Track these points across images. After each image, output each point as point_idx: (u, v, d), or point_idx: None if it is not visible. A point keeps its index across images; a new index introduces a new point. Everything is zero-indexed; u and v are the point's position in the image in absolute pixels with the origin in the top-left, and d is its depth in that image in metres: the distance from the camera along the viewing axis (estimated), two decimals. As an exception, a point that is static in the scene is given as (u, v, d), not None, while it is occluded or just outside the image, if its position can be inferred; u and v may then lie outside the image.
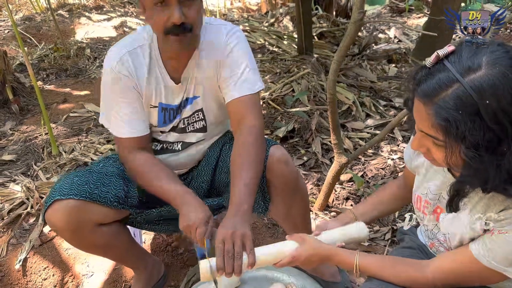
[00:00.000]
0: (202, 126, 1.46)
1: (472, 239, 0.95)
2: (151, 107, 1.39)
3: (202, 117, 1.44)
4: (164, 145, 1.48)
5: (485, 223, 0.90)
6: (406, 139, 2.71)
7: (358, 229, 1.18)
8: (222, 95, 1.39)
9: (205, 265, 1.07)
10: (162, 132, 1.45)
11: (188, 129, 1.45)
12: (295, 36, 4.13)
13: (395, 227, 1.94)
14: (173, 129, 1.45)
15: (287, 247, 1.12)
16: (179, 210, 1.24)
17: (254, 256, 1.08)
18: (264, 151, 1.32)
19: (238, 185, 1.21)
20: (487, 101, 0.76)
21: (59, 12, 5.25)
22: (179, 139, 1.47)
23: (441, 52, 0.83)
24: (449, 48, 0.83)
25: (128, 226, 1.50)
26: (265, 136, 1.99)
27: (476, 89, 0.76)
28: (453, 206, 0.95)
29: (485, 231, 0.91)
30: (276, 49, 4.12)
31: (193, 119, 1.44)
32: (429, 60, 0.84)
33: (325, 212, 2.12)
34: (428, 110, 0.81)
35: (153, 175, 1.33)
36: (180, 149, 1.48)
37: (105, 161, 1.46)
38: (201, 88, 1.39)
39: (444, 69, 0.81)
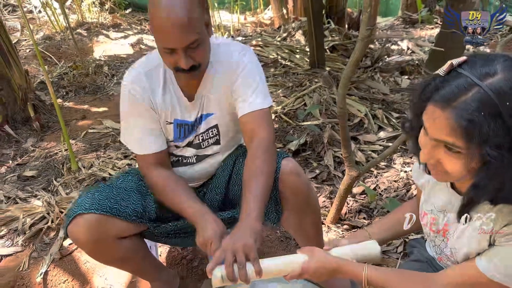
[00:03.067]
0: (216, 140, 1.51)
1: (479, 253, 0.96)
2: (166, 123, 1.45)
3: (217, 133, 1.50)
4: (180, 159, 1.54)
5: (485, 222, 0.91)
6: (419, 151, 2.70)
7: (370, 247, 1.16)
8: (235, 111, 1.44)
9: (217, 272, 1.11)
10: (177, 147, 1.51)
11: (203, 145, 1.51)
12: (307, 49, 4.17)
13: (407, 240, 1.94)
14: (189, 145, 1.50)
15: (296, 259, 1.13)
16: (196, 226, 1.29)
17: (259, 264, 1.10)
18: (274, 163, 1.36)
19: (246, 196, 1.26)
20: (508, 103, 0.77)
21: (78, 31, 5.42)
22: (194, 154, 1.52)
23: (455, 61, 0.84)
24: (462, 58, 0.84)
25: (145, 240, 1.55)
26: (278, 149, 2.03)
27: (496, 92, 0.77)
28: (464, 213, 0.94)
29: (490, 245, 0.93)
30: (288, 63, 4.17)
31: (207, 135, 1.49)
32: (442, 69, 0.85)
33: (338, 225, 2.13)
34: (447, 114, 0.81)
35: (171, 191, 1.39)
36: (194, 161, 1.54)
37: (124, 176, 1.52)
38: (215, 105, 1.45)
39: (461, 75, 0.82)
